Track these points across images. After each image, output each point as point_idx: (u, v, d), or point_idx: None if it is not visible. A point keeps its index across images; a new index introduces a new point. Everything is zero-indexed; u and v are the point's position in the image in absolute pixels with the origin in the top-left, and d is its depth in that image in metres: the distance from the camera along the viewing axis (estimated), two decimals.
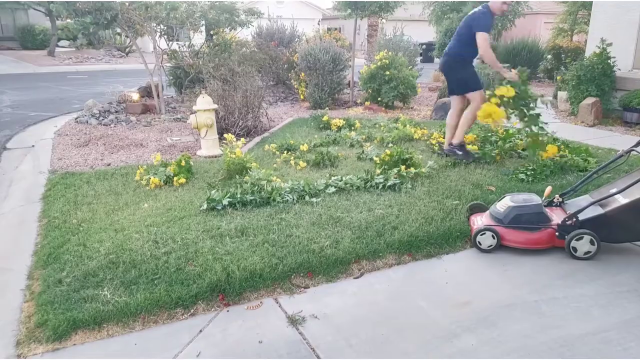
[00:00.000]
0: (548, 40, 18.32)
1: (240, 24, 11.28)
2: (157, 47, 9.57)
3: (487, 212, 3.86)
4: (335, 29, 27.94)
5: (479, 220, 3.78)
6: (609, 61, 8.50)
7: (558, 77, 10.54)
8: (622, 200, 3.47)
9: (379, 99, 9.99)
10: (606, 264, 3.39)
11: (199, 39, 11.53)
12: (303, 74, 10.79)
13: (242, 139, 5.73)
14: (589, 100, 8.40)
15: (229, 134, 5.59)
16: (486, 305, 2.90)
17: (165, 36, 10.28)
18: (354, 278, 3.25)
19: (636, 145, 3.75)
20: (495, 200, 3.94)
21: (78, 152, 6.50)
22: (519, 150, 5.90)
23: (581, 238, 3.44)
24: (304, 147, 6.04)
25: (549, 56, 16.09)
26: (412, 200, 4.31)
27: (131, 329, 2.70)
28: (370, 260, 3.40)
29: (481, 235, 3.59)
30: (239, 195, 4.22)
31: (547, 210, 3.70)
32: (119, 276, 3.06)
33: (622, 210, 3.43)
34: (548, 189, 3.98)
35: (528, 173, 4.98)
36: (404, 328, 2.70)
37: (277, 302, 2.97)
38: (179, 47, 10.73)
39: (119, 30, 15.47)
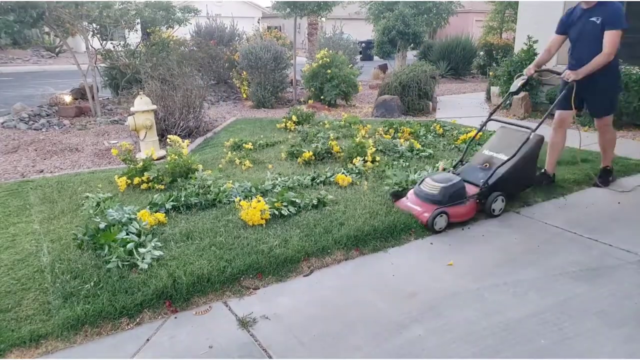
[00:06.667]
0: (479, 37, 19.13)
1: (178, 21, 11.02)
2: (90, 47, 9.15)
3: (411, 194, 4.14)
4: (276, 27, 27.81)
5: (413, 204, 4.04)
6: (535, 57, 8.98)
7: (491, 73, 11.02)
8: (506, 160, 4.18)
9: (322, 97, 10.05)
10: (540, 250, 3.59)
11: (134, 38, 11.16)
12: (245, 73, 10.68)
13: (187, 141, 5.59)
14: (519, 94, 8.86)
15: (174, 135, 5.43)
16: (432, 296, 3.00)
17: (99, 35, 9.86)
18: (304, 276, 3.26)
19: (490, 116, 4.69)
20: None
21: (6, 159, 6.12)
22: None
23: (497, 199, 4.11)
24: (248, 146, 5.99)
25: (482, 53, 16.80)
26: (358, 196, 4.38)
27: (72, 343, 2.58)
28: (319, 258, 3.42)
29: (440, 217, 3.84)
30: (183, 198, 4.12)
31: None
32: (58, 287, 2.91)
33: (513, 169, 4.19)
34: (441, 164, 4.71)
35: None
36: (354, 323, 2.74)
37: (227, 306, 2.93)
38: (114, 47, 10.34)
39: (47, 29, 14.65)
